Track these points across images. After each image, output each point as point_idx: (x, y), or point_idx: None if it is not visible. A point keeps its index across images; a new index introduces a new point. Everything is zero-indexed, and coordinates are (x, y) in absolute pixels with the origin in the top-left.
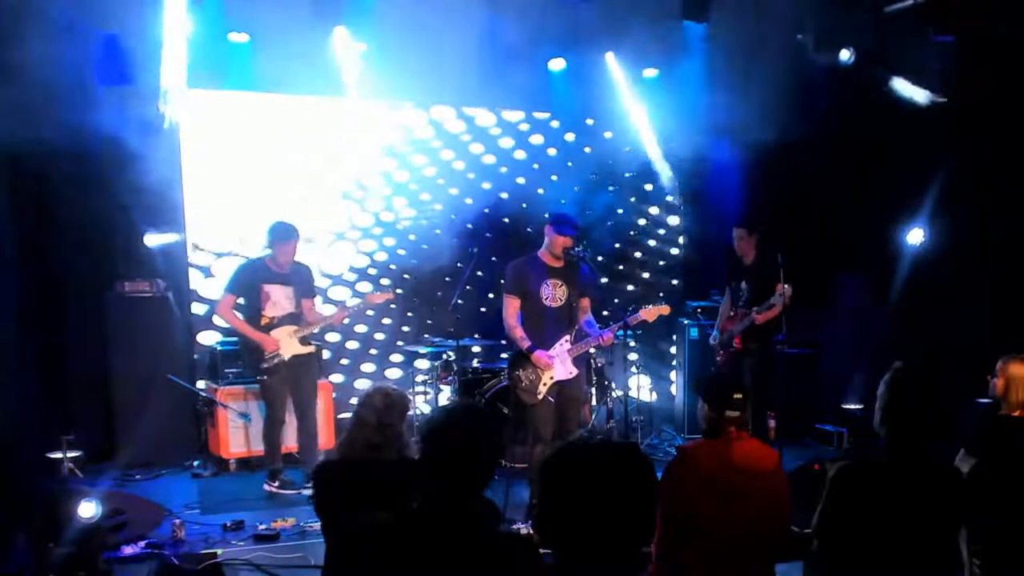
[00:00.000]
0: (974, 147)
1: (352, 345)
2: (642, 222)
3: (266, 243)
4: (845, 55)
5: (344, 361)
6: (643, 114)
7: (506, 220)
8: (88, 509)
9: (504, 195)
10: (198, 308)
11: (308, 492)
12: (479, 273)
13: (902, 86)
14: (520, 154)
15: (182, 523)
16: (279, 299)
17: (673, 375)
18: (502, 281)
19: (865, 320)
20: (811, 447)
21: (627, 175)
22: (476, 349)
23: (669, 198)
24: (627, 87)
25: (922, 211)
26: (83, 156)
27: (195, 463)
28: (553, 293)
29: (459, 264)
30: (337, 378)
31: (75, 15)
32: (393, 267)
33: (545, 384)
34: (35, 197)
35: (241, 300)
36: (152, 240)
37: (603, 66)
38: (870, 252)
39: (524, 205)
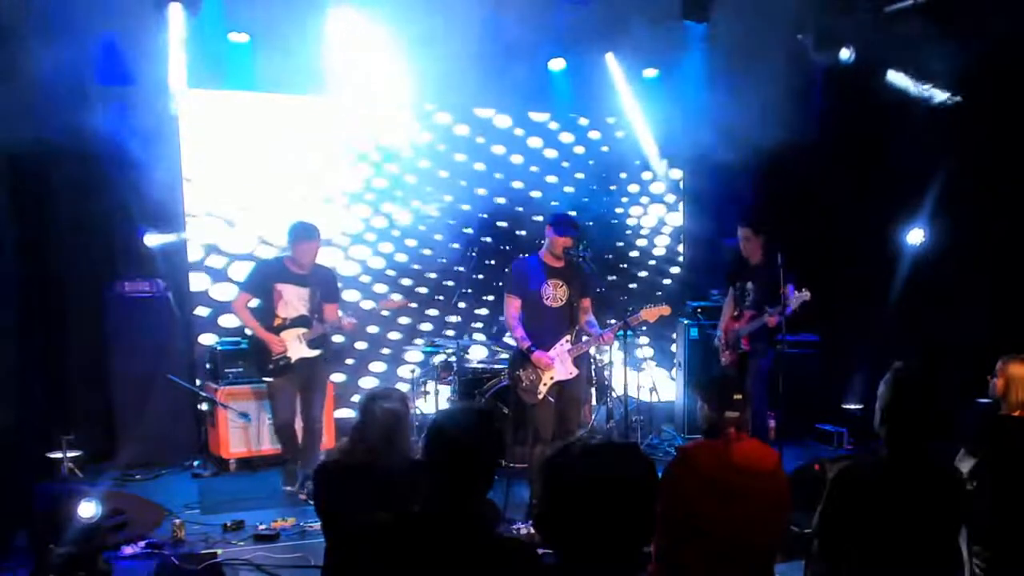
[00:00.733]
0: (974, 147)
1: (359, 345)
2: (642, 221)
3: (286, 243)
4: (845, 54)
5: (349, 361)
6: (643, 114)
7: (503, 224)
8: (88, 509)
9: (500, 200)
10: (201, 311)
11: None
12: (479, 276)
13: (902, 81)
14: (516, 159)
15: (182, 523)
16: (291, 299)
17: (673, 375)
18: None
19: (865, 320)
20: (811, 447)
21: (627, 175)
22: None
23: (670, 198)
24: (627, 87)
25: (922, 211)
26: (83, 156)
27: (195, 463)
28: (554, 293)
29: (460, 267)
30: (338, 377)
31: (75, 15)
32: (391, 272)
33: (545, 384)
34: (35, 197)
35: (255, 301)
36: (152, 240)
37: (603, 66)
38: (870, 252)
39: (520, 208)
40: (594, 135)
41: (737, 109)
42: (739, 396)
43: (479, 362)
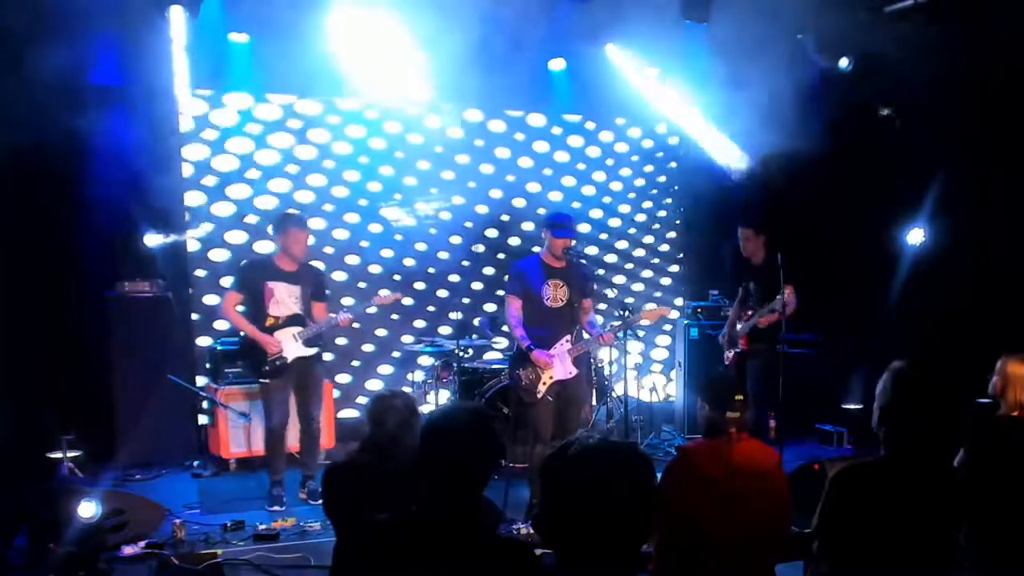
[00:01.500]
0: (975, 147)
1: (359, 346)
2: (643, 220)
3: (275, 234)
4: (844, 63)
5: (355, 363)
6: (642, 114)
7: (505, 220)
8: (88, 509)
9: (497, 193)
10: (210, 299)
11: None
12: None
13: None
14: (524, 160)
15: (182, 523)
16: (283, 298)
17: (673, 375)
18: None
19: (865, 320)
20: (811, 447)
21: (627, 175)
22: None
23: (669, 199)
24: (628, 87)
25: (922, 211)
26: (84, 156)
27: (195, 463)
28: (554, 293)
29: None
30: (344, 378)
31: (76, 16)
32: (398, 277)
33: (545, 384)
34: (35, 197)
35: (244, 301)
36: (152, 240)
37: (603, 66)
38: (870, 252)
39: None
40: (594, 136)
41: (737, 109)
42: (740, 396)
43: (479, 362)
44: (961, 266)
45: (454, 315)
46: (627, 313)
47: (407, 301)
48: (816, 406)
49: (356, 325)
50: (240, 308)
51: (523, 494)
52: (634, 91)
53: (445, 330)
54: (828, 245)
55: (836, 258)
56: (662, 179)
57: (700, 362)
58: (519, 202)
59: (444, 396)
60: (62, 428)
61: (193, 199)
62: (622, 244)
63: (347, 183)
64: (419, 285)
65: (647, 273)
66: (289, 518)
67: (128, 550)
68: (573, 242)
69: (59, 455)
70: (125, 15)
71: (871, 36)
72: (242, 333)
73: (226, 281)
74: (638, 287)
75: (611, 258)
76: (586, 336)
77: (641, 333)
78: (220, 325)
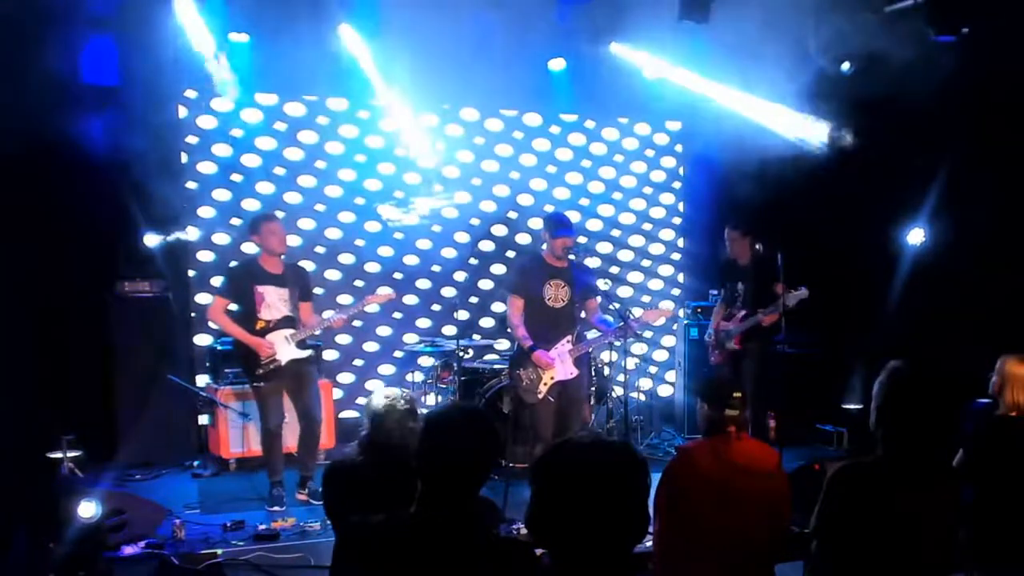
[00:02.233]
0: (975, 146)
1: (361, 345)
2: (642, 222)
3: (251, 235)
4: (846, 66)
5: (357, 362)
6: (642, 114)
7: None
8: (88, 509)
9: (503, 190)
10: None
11: None
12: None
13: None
14: (528, 158)
15: (182, 523)
16: (274, 301)
17: (673, 375)
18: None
19: (865, 320)
20: (811, 447)
21: (626, 174)
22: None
23: (669, 198)
24: (628, 87)
25: (922, 211)
26: (84, 156)
27: (195, 463)
28: (555, 293)
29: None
30: (347, 378)
31: (76, 16)
32: (399, 276)
33: (545, 384)
34: (36, 197)
35: (234, 305)
36: (152, 240)
37: (602, 66)
38: (870, 252)
39: (512, 214)
40: (594, 136)
41: (737, 109)
42: (738, 395)
43: (479, 362)
44: (961, 266)
45: (460, 314)
46: (628, 314)
47: (410, 300)
48: (816, 406)
49: (357, 323)
50: (229, 311)
51: (523, 494)
52: (634, 91)
53: (450, 330)
54: (828, 245)
55: (836, 258)
56: (662, 178)
57: (700, 362)
58: (525, 199)
59: (444, 396)
60: (62, 428)
61: (193, 199)
62: (610, 246)
63: (347, 181)
64: (422, 284)
65: (645, 274)
66: (289, 518)
67: (128, 550)
68: (574, 242)
69: (59, 455)
70: (126, 15)
71: (871, 36)
72: (231, 337)
73: (215, 281)
74: (636, 288)
75: (605, 248)
76: (597, 334)
77: (648, 334)
78: (214, 326)
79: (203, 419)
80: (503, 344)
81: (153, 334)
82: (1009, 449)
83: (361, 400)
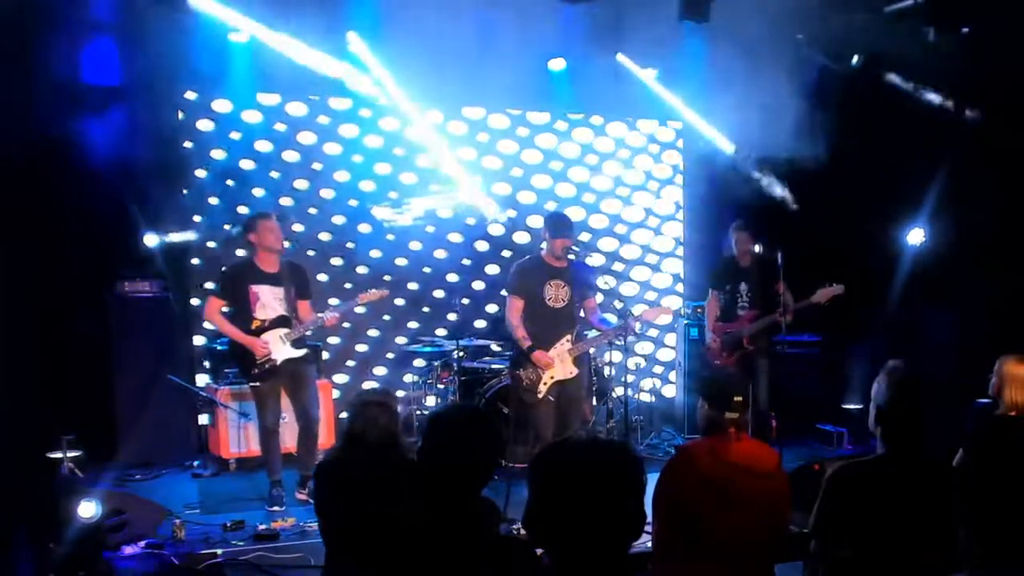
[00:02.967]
0: (975, 146)
1: (354, 346)
2: (646, 218)
3: (246, 236)
4: (855, 59)
5: (350, 363)
6: (643, 113)
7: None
8: (88, 509)
9: (504, 188)
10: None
11: None
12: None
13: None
14: (530, 155)
15: (182, 523)
16: (268, 301)
17: (673, 375)
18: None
19: (865, 320)
20: (811, 447)
21: (626, 174)
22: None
23: (669, 197)
24: (628, 86)
25: (922, 211)
26: (84, 156)
27: (195, 463)
28: (556, 294)
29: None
30: (341, 378)
31: (76, 15)
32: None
33: (545, 383)
34: (35, 196)
35: (228, 304)
36: (152, 240)
37: (602, 66)
38: (870, 252)
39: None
40: (594, 135)
41: (737, 109)
42: (739, 397)
43: (479, 362)
44: (961, 266)
45: (452, 316)
46: (630, 312)
47: (402, 301)
48: (816, 406)
49: (346, 324)
50: (224, 311)
51: (523, 494)
52: (635, 90)
53: (444, 331)
54: (828, 245)
55: (836, 258)
56: (661, 179)
57: (701, 362)
58: (527, 196)
59: (444, 397)
60: (62, 428)
61: (193, 199)
62: (612, 243)
63: (342, 182)
64: (413, 285)
65: (645, 273)
66: (289, 518)
67: (128, 550)
68: (574, 242)
69: (59, 455)
70: (127, 15)
71: (871, 36)
72: (226, 337)
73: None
74: (631, 290)
75: (610, 244)
76: (596, 333)
77: (653, 333)
78: (210, 326)
79: (203, 419)
80: (495, 347)
81: (153, 334)
82: (1009, 449)
83: None
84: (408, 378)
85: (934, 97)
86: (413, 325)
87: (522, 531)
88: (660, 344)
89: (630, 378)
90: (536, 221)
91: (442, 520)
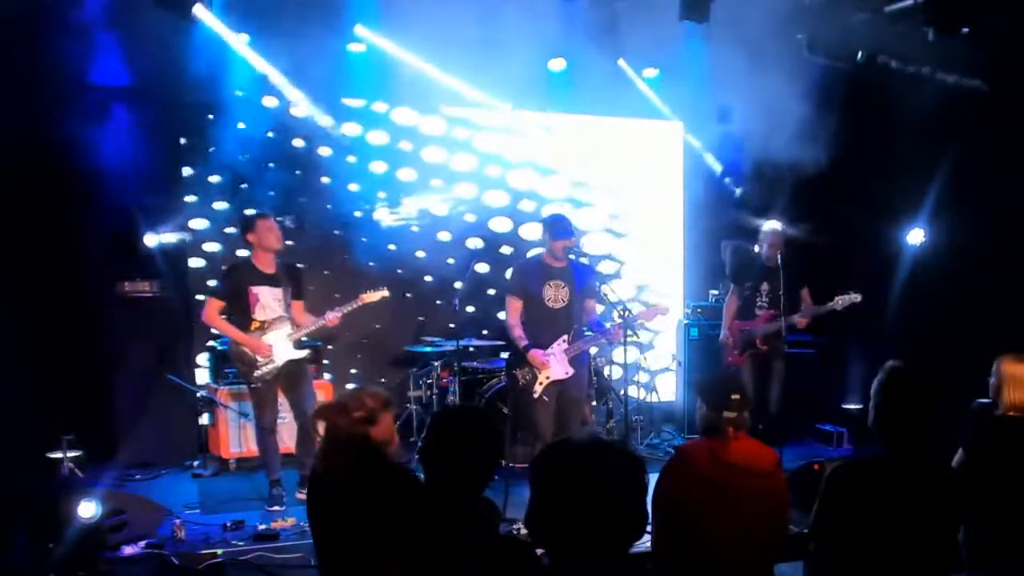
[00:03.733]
0: (975, 146)
1: (362, 347)
2: (641, 221)
3: (244, 235)
4: (859, 56)
5: (350, 363)
6: (642, 113)
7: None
8: (88, 509)
9: (501, 189)
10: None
11: None
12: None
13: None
14: (530, 155)
15: (182, 523)
16: (268, 301)
17: (673, 375)
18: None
19: (865, 320)
20: (811, 447)
21: (626, 174)
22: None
23: (665, 198)
24: (626, 86)
25: (922, 211)
26: (84, 156)
27: (195, 463)
28: (555, 294)
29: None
30: (342, 379)
31: (76, 15)
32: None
33: (541, 384)
34: (36, 197)
35: (228, 307)
36: (152, 240)
37: (601, 66)
38: (870, 252)
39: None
40: (594, 135)
41: (736, 109)
42: (737, 396)
43: (479, 362)
44: (961, 266)
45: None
46: (626, 312)
47: (404, 300)
48: (816, 406)
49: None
50: (224, 312)
51: (523, 494)
52: (635, 90)
53: (446, 329)
54: (829, 244)
55: (836, 258)
56: (661, 179)
57: (700, 362)
58: (527, 197)
59: (444, 397)
60: (62, 428)
61: (194, 199)
62: (612, 244)
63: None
64: (417, 284)
65: (644, 273)
66: (289, 518)
67: (128, 550)
68: (573, 243)
69: (59, 455)
70: (128, 16)
71: (871, 36)
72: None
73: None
74: (636, 287)
75: (608, 245)
76: (588, 334)
77: (651, 334)
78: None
79: (203, 419)
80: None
81: (153, 334)
82: (1008, 449)
83: None
84: (408, 378)
85: (940, 79)
86: (413, 325)
87: (522, 531)
88: (659, 344)
89: (643, 378)
90: (534, 226)
91: (445, 520)
